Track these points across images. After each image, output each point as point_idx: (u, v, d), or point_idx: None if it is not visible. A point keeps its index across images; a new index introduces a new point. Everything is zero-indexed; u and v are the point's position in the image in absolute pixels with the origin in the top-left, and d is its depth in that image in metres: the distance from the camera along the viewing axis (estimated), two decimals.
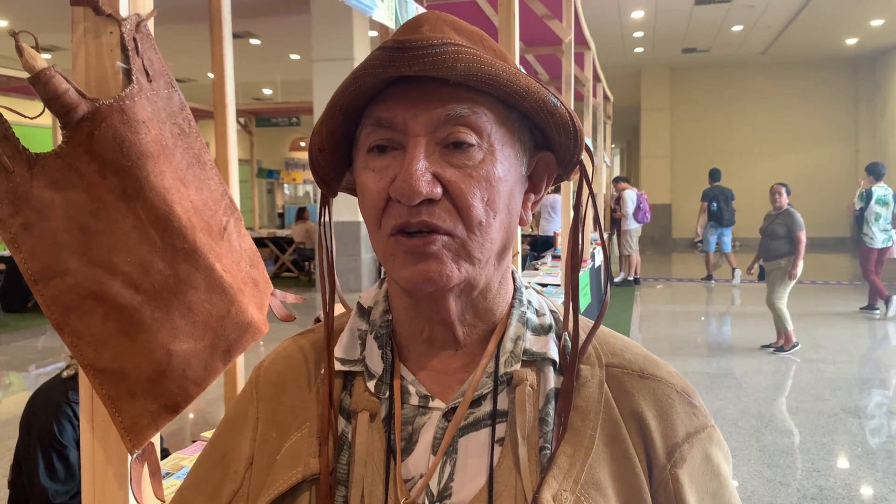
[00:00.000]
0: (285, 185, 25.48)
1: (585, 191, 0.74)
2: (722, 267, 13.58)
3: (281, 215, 20.83)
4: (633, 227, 11.99)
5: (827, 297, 10.36)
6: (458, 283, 0.67)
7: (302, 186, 26.87)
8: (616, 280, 12.10)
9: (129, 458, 1.03)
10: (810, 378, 6.15)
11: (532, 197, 0.74)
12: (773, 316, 7.05)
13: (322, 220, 0.77)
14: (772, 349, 7.05)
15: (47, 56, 15.04)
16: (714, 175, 12.15)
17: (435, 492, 0.68)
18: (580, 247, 0.75)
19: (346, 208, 10.06)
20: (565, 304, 0.76)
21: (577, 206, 0.74)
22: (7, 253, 10.30)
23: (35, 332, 8.96)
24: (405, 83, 0.65)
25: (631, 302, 10.32)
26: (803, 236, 6.85)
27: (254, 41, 13.66)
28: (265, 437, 0.76)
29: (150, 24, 1.07)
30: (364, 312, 0.79)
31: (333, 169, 0.74)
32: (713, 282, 12.15)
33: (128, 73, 1.02)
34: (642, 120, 19.64)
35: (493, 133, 0.66)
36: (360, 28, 10.39)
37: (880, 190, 8.63)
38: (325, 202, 0.78)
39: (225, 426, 0.80)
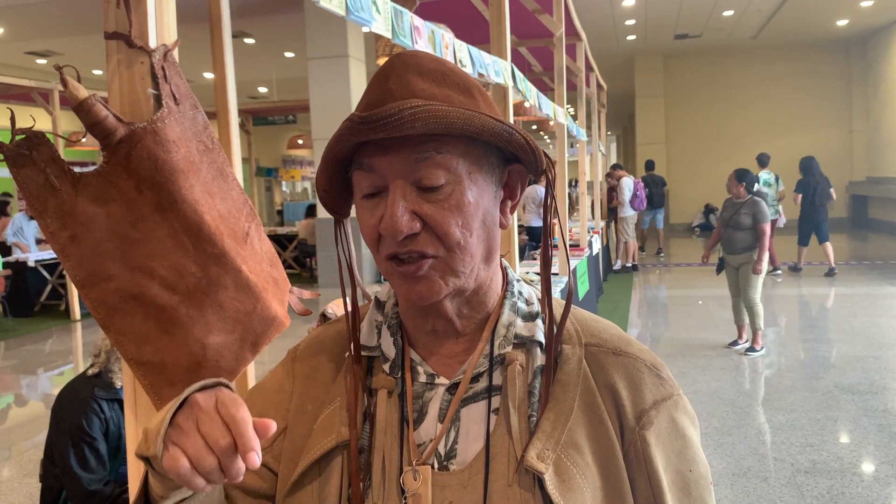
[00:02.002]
0: (283, 183, 25.59)
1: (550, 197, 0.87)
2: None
3: (280, 213, 20.91)
4: (629, 214, 12.11)
5: (823, 277, 10.48)
6: (448, 293, 0.80)
7: (300, 183, 26.96)
8: (615, 268, 12.23)
9: None
10: (805, 357, 6.29)
11: (510, 203, 0.87)
12: (749, 315, 6.54)
13: (338, 238, 0.90)
14: (741, 347, 6.63)
15: (42, 61, 15.10)
16: (648, 165, 14.54)
17: (442, 453, 0.82)
18: (549, 244, 0.88)
19: None
20: (542, 294, 0.89)
21: (545, 209, 0.87)
22: (13, 258, 10.41)
23: (42, 335, 9.09)
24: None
25: (630, 288, 10.45)
26: (768, 228, 6.37)
27: (248, 40, 13.73)
28: (302, 409, 0.89)
29: (175, 52, 1.19)
30: (380, 305, 0.92)
31: (339, 202, 0.88)
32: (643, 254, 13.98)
33: (158, 99, 1.14)
34: (637, 107, 19.74)
35: (459, 166, 0.78)
36: (355, 26, 10.47)
37: (765, 175, 11.18)
38: (339, 223, 0.91)
39: (259, 395, 0.93)
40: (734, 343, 6.72)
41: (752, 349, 6.51)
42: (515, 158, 0.86)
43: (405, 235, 0.76)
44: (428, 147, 0.76)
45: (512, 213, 0.88)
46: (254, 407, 0.92)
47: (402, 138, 0.76)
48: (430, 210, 0.77)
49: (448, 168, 0.77)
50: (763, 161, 11.36)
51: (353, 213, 0.89)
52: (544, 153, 0.84)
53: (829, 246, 10.52)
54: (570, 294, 0.88)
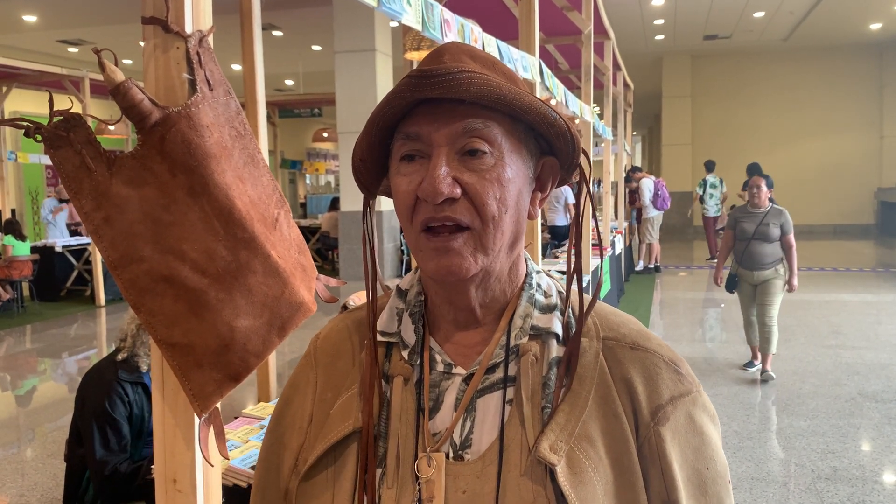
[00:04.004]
0: (307, 176, 25.71)
1: (584, 190, 0.88)
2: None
3: (303, 205, 21.02)
4: (652, 214, 12.03)
5: (848, 283, 10.37)
6: (475, 273, 0.80)
7: (324, 177, 27.09)
8: (637, 268, 12.16)
9: (197, 421, 1.17)
10: (829, 363, 6.21)
11: (539, 195, 0.88)
12: (766, 336, 5.85)
13: (365, 218, 0.91)
14: (756, 369, 6.04)
15: (73, 50, 15.29)
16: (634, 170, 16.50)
17: (458, 442, 0.82)
18: (580, 236, 0.89)
19: None
20: (566, 285, 0.89)
21: (577, 202, 0.88)
22: (41, 243, 10.57)
23: (68, 320, 9.23)
24: (429, 103, 0.79)
25: (651, 289, 10.39)
26: (794, 239, 5.80)
27: (276, 33, 13.82)
28: (322, 397, 0.90)
29: (210, 38, 1.20)
30: (402, 294, 0.93)
31: (372, 175, 0.89)
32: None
33: (192, 84, 1.15)
34: (663, 107, 19.59)
35: (502, 142, 0.80)
36: (382, 20, 10.50)
37: (711, 178, 13.73)
38: (367, 203, 0.92)
39: (292, 390, 0.95)
40: (749, 364, 6.11)
41: (767, 374, 5.85)
42: (550, 152, 0.87)
43: (444, 198, 0.76)
44: (477, 120, 0.78)
45: (540, 206, 0.88)
46: (290, 404, 0.93)
47: (452, 109, 0.78)
48: (470, 178, 0.78)
49: (492, 142, 0.79)
50: (710, 167, 13.89)
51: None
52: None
53: None
54: (598, 287, 0.88)
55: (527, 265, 0.90)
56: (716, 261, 12.77)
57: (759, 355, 6.02)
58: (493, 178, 0.78)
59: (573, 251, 0.88)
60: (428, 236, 0.79)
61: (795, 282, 5.79)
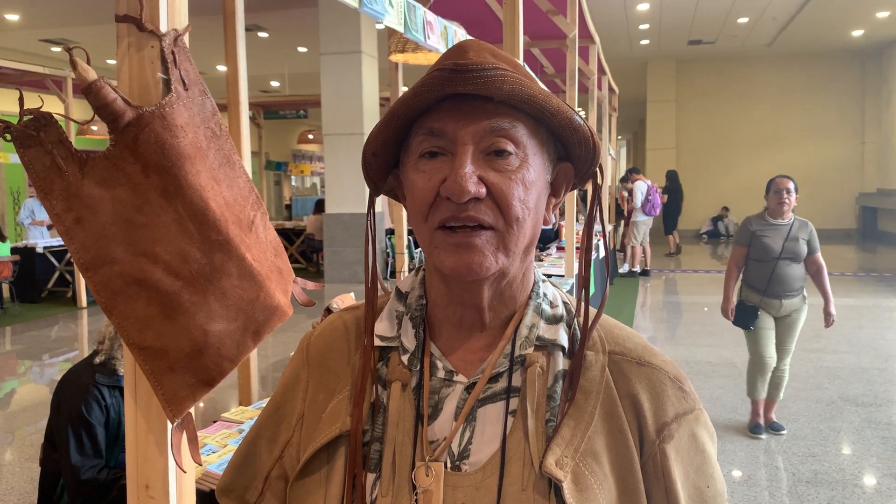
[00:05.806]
0: (293, 178, 25.62)
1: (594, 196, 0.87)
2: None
3: (288, 207, 20.95)
4: (641, 219, 12.04)
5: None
6: (494, 272, 0.78)
7: (309, 178, 27.00)
8: (621, 271, 12.20)
9: (169, 427, 1.15)
10: (809, 367, 6.25)
11: (553, 201, 0.86)
12: (782, 381, 4.68)
13: (370, 214, 0.90)
14: (763, 433, 4.68)
15: (57, 49, 15.13)
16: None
17: (456, 452, 0.80)
18: (591, 245, 0.88)
19: (354, 200, 10.17)
20: (577, 297, 0.88)
21: (590, 210, 0.86)
22: (22, 244, 10.45)
23: (49, 321, 9.12)
24: (455, 100, 0.77)
25: (635, 293, 10.42)
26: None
27: (262, 34, 13.76)
28: (315, 398, 0.89)
29: (186, 37, 1.19)
30: (402, 296, 0.90)
31: (382, 171, 0.87)
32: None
33: (167, 83, 1.13)
34: (648, 112, 19.69)
35: (527, 144, 0.78)
36: (368, 22, 10.48)
37: (641, 184, 13.94)
38: (372, 201, 0.90)
39: (281, 387, 0.95)
40: (756, 428, 4.67)
41: (777, 425, 4.74)
42: (566, 158, 0.86)
43: (470, 197, 0.74)
44: (504, 120, 0.77)
45: (554, 211, 0.87)
46: (278, 401, 0.94)
47: (479, 107, 0.76)
48: (496, 178, 0.76)
49: (518, 143, 0.78)
50: (636, 172, 14.08)
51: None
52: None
53: (676, 235, 14.88)
54: (603, 300, 0.85)
55: (534, 274, 0.89)
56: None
57: (762, 411, 4.75)
58: (518, 179, 0.77)
59: (583, 262, 0.87)
60: (446, 232, 0.77)
61: (833, 310, 4.72)
